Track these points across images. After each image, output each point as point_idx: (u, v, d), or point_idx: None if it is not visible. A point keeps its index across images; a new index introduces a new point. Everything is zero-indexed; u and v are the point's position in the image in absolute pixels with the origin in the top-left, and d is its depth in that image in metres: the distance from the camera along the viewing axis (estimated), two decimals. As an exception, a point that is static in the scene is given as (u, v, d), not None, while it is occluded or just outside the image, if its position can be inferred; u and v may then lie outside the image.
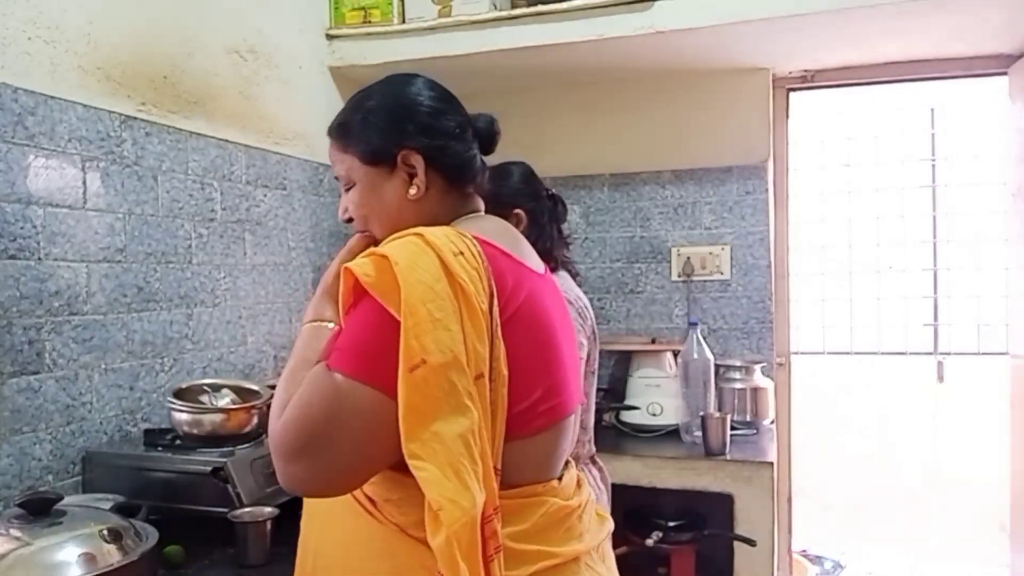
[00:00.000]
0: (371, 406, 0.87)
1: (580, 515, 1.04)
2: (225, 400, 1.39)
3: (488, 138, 1.13)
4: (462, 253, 0.91)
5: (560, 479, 1.05)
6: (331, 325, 1.03)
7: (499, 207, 1.85)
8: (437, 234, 0.92)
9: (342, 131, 1.11)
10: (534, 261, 1.09)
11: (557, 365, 1.01)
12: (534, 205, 1.78)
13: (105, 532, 1.17)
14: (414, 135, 1.06)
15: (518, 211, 1.74)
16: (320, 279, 1.13)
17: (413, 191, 1.05)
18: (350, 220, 1.12)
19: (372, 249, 0.93)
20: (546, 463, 1.02)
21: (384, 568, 0.95)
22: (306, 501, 1.07)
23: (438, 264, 0.89)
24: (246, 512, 1.46)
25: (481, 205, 1.13)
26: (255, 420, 1.57)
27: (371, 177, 1.08)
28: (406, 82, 1.13)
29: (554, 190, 1.87)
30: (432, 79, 1.16)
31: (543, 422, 0.98)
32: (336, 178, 1.13)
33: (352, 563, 0.98)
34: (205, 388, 1.53)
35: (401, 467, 0.86)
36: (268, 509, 1.46)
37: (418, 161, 1.05)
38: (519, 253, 1.03)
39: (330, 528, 1.02)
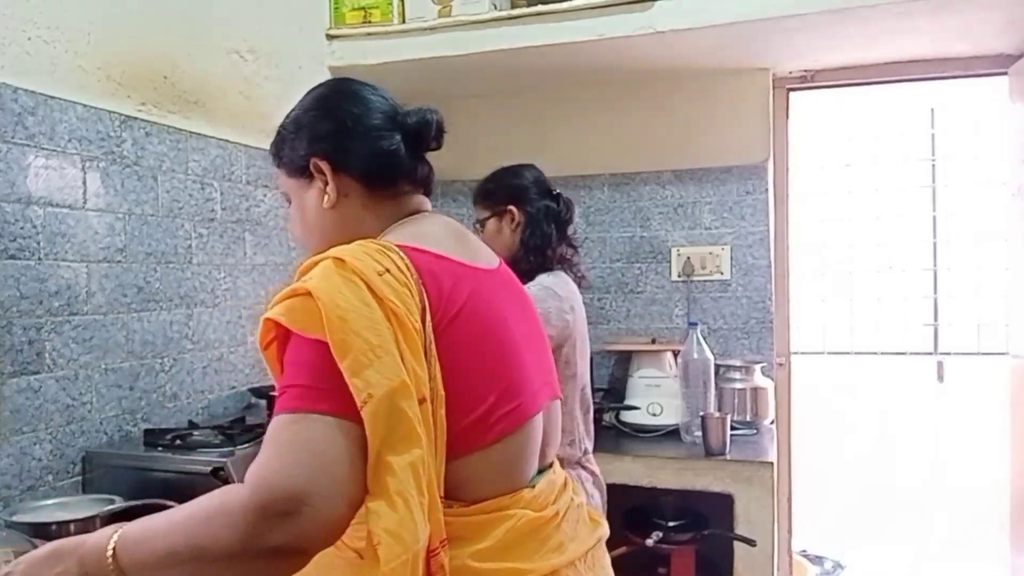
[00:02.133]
0: (343, 436, 0.79)
1: (559, 524, 0.99)
2: None
3: (417, 134, 1.06)
4: (388, 271, 0.87)
5: (533, 486, 0.98)
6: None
7: (494, 204, 1.90)
8: (358, 255, 0.87)
9: (272, 148, 1.11)
10: (484, 257, 1.05)
11: (514, 363, 0.96)
12: (532, 204, 1.85)
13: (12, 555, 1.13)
14: (316, 142, 1.04)
15: (511, 208, 1.84)
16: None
17: (325, 199, 1.02)
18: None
19: (292, 287, 0.87)
20: (511, 471, 0.95)
21: None
22: None
23: (364, 288, 0.84)
24: None
25: (424, 205, 1.08)
26: None
27: (295, 190, 1.07)
28: (317, 90, 1.11)
29: (563, 194, 1.91)
30: (350, 80, 1.10)
31: (502, 428, 0.92)
32: (282, 194, 1.13)
33: None
34: None
35: None
36: None
37: (326, 167, 1.03)
38: (461, 252, 0.99)
39: None
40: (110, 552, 0.81)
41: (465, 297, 0.92)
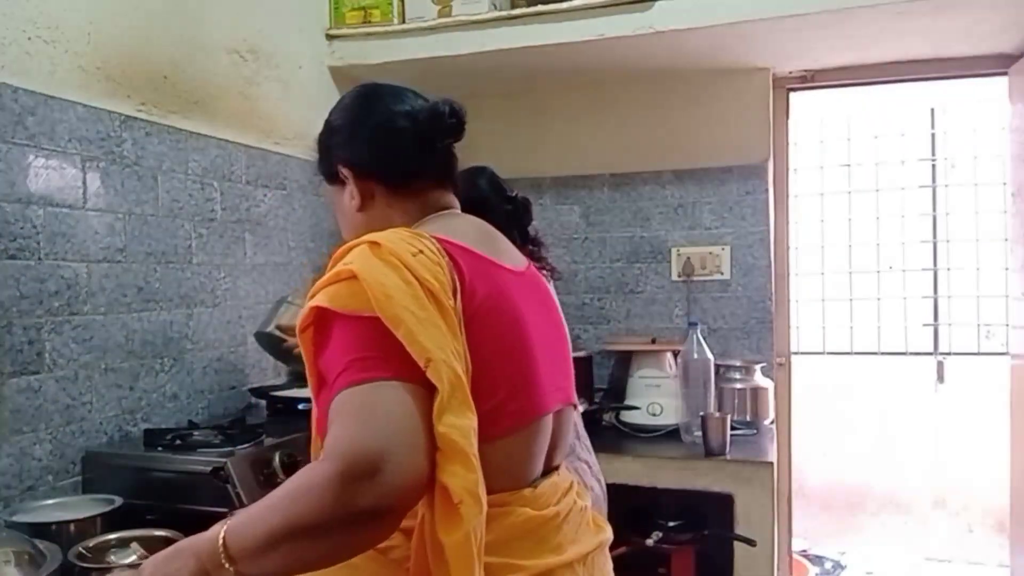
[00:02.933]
0: (410, 397, 0.83)
1: (559, 525, 1.00)
2: (132, 557, 1.33)
3: (428, 126, 1.06)
4: (421, 252, 0.90)
5: (535, 486, 0.99)
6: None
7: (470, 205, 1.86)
8: (391, 238, 0.92)
9: (317, 156, 1.17)
10: (510, 258, 1.07)
11: (527, 364, 0.98)
12: (494, 213, 1.76)
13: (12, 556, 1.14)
14: (339, 149, 1.10)
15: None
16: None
17: (353, 202, 1.09)
18: None
19: (334, 272, 0.90)
20: (514, 469, 0.97)
21: None
22: None
23: (402, 268, 0.88)
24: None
25: (453, 203, 1.11)
26: None
27: (332, 194, 1.15)
28: (343, 98, 1.15)
29: (519, 193, 1.86)
30: (372, 85, 1.14)
31: (508, 425, 0.94)
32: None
33: None
34: (112, 543, 1.41)
35: None
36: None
37: (347, 172, 1.08)
38: (488, 250, 1.01)
39: None
40: (220, 542, 0.83)
41: (486, 292, 0.95)
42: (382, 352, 0.83)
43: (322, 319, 0.88)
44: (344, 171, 1.08)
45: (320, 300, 0.88)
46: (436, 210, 1.08)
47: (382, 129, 1.07)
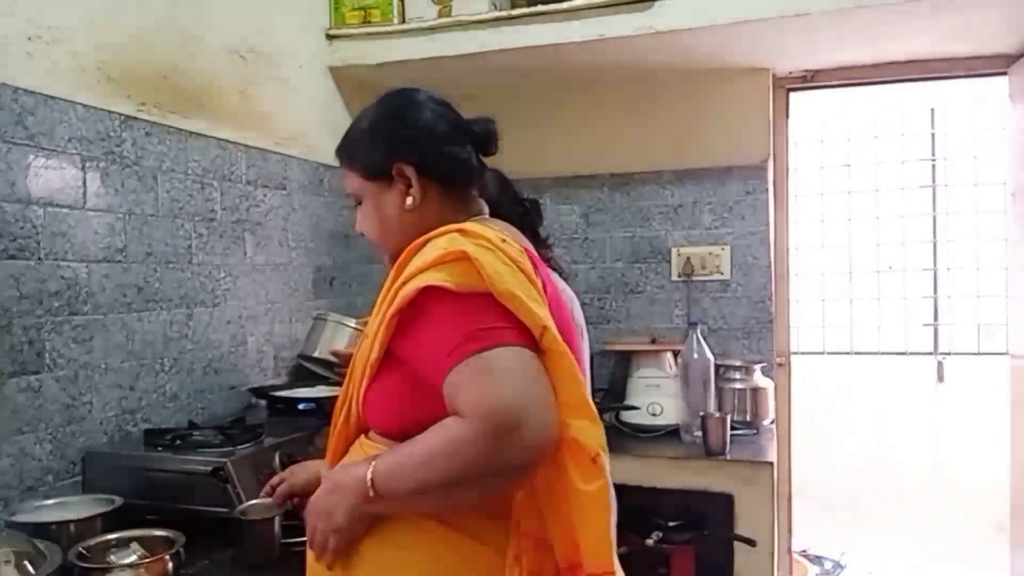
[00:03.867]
0: (533, 358, 0.91)
1: None
2: (132, 557, 1.33)
3: (484, 141, 1.16)
4: (505, 240, 0.99)
5: None
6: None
7: None
8: (477, 227, 1.00)
9: (346, 151, 1.18)
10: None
11: (579, 361, 1.03)
12: (499, 210, 1.78)
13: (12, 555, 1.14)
14: (404, 147, 1.11)
15: None
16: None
17: (409, 201, 1.10)
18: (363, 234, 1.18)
19: (441, 253, 0.95)
20: None
21: (421, 558, 0.98)
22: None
23: (497, 251, 0.96)
24: (251, 506, 1.42)
25: (485, 208, 1.17)
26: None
27: (373, 191, 1.14)
28: (398, 96, 1.18)
29: (528, 196, 1.86)
30: (425, 89, 1.19)
31: None
32: (348, 195, 1.19)
33: (387, 555, 0.99)
34: (112, 543, 1.35)
35: None
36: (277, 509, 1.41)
37: (411, 172, 1.10)
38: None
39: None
40: (369, 483, 0.95)
41: (552, 289, 1.04)
42: (502, 322, 0.91)
43: (428, 298, 0.94)
44: (406, 169, 1.10)
45: (434, 279, 0.93)
46: (475, 215, 1.14)
47: (450, 136, 1.13)
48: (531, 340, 0.92)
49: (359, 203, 1.17)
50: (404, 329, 0.97)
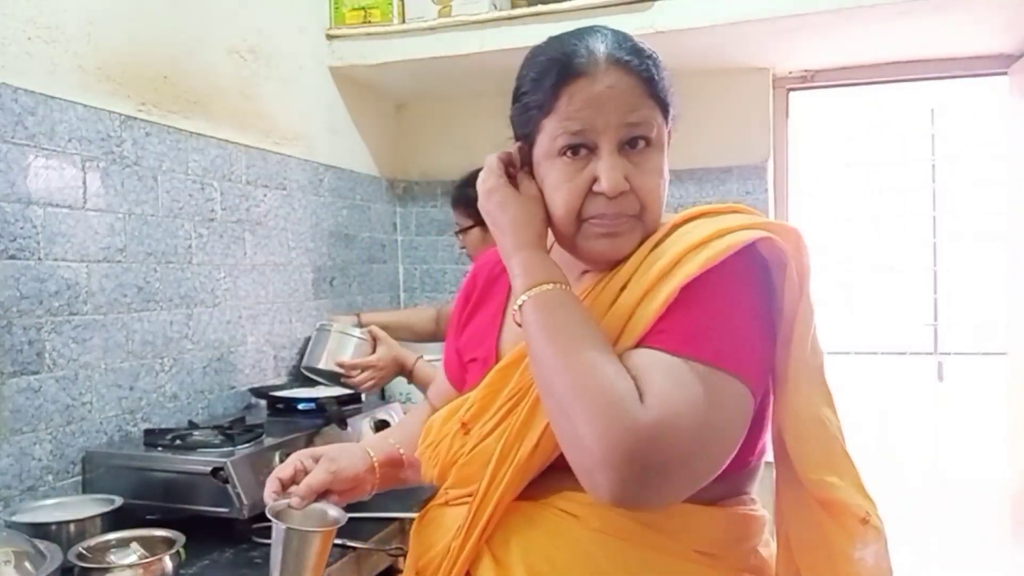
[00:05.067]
0: (743, 402, 0.80)
1: None
2: (132, 557, 1.33)
3: None
4: None
5: None
6: (563, 287, 0.85)
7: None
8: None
9: (656, 76, 0.94)
10: None
11: None
12: None
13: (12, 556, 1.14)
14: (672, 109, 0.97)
15: None
16: (492, 211, 0.96)
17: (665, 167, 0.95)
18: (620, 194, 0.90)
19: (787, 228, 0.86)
20: None
21: None
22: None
23: None
24: (284, 508, 1.01)
25: None
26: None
27: (663, 141, 0.96)
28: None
29: None
30: None
31: None
32: (631, 126, 0.92)
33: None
34: (112, 543, 1.35)
35: None
36: (333, 511, 1.03)
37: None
38: None
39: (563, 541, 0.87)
40: (520, 304, 0.84)
41: None
42: (748, 342, 0.83)
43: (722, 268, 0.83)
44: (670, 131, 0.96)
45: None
46: None
47: None
48: (761, 378, 0.90)
49: (632, 145, 0.91)
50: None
